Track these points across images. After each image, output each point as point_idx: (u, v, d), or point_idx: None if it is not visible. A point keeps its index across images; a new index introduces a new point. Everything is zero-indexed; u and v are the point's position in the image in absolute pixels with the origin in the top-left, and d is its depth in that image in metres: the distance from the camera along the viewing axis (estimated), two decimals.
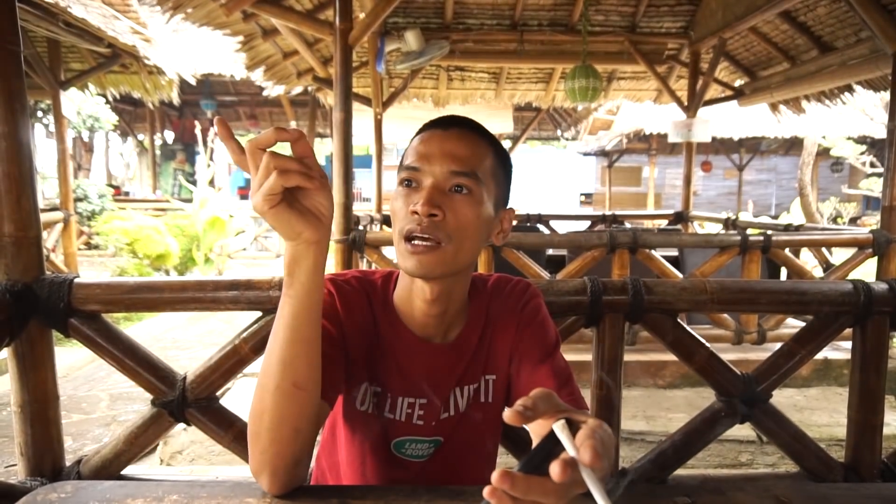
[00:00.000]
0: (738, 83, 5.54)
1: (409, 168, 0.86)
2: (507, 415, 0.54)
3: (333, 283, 0.92)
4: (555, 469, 0.49)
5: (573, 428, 0.54)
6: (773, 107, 5.59)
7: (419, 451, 0.94)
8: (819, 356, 3.28)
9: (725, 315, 3.53)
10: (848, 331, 1.44)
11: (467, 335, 0.94)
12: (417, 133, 0.91)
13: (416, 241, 0.82)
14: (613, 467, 1.44)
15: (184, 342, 4.97)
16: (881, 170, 10.89)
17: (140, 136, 13.77)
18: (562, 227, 5.72)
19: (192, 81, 6.81)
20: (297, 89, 6.08)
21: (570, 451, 0.51)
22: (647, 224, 6.69)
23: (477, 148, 0.87)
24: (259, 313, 1.38)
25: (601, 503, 0.50)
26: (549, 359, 0.92)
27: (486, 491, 0.50)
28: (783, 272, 3.82)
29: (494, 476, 0.49)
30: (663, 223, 6.31)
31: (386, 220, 5.02)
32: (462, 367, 0.94)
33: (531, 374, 0.91)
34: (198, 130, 8.12)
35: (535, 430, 0.73)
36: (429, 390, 0.93)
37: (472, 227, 0.85)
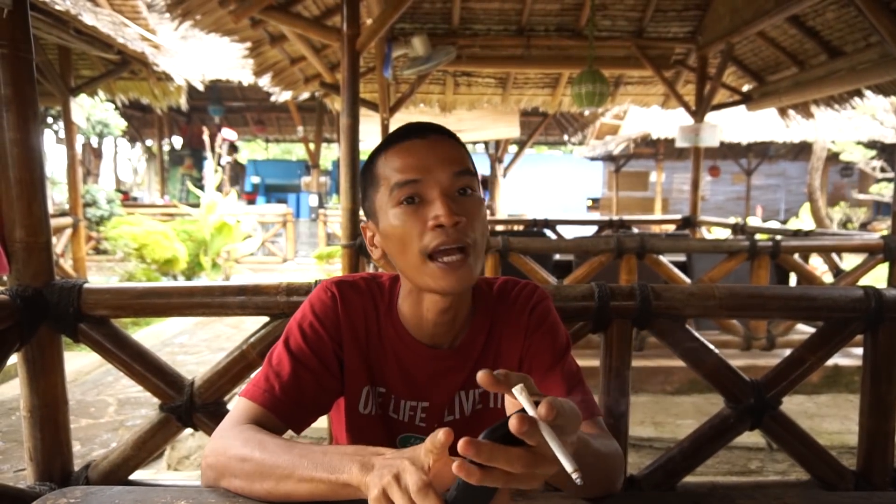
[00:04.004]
0: (746, 88, 5.51)
1: (409, 183, 0.82)
2: (481, 375, 0.55)
3: (339, 286, 0.93)
4: (512, 422, 0.51)
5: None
6: (782, 111, 5.56)
7: None
8: (829, 363, 3.26)
9: (734, 321, 3.51)
10: (859, 337, 1.43)
11: (472, 339, 0.94)
12: (383, 150, 0.87)
13: (447, 258, 0.81)
14: (624, 475, 1.42)
15: (191, 347, 4.99)
16: (891, 175, 10.83)
17: (148, 142, 13.87)
18: (569, 232, 5.70)
19: (201, 87, 6.88)
20: (305, 95, 6.11)
21: (530, 412, 0.53)
22: (655, 229, 6.66)
23: (457, 145, 0.87)
24: (266, 318, 1.39)
25: (564, 462, 0.52)
26: (559, 364, 0.91)
27: (454, 466, 0.52)
28: (792, 278, 3.79)
29: (460, 445, 0.51)
30: (671, 228, 6.29)
31: None
32: (466, 372, 0.94)
33: (542, 380, 0.90)
34: (206, 136, 8.16)
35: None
36: (432, 394, 0.93)
37: (483, 225, 0.86)
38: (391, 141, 0.87)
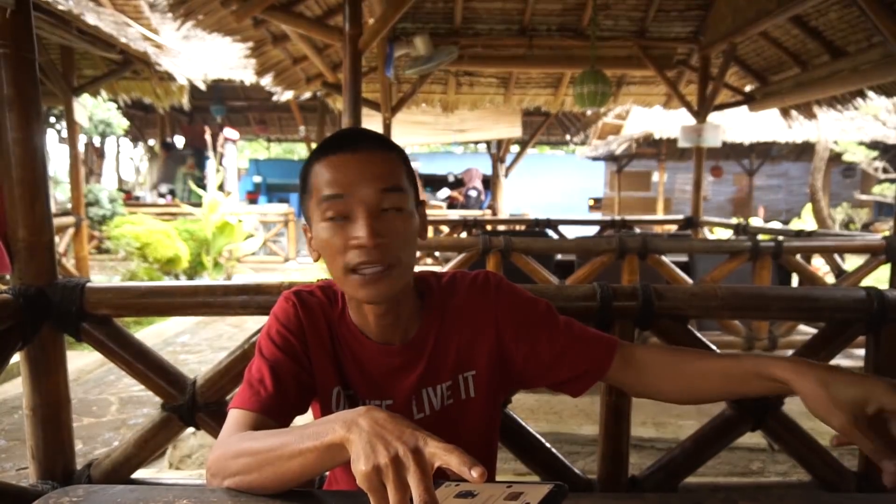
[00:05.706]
0: (748, 88, 5.51)
1: (334, 198, 0.82)
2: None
3: (298, 295, 0.96)
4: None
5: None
6: (785, 112, 5.55)
7: None
8: (831, 364, 3.25)
9: (736, 321, 3.51)
10: (861, 338, 1.42)
11: (423, 334, 0.95)
12: (316, 159, 0.86)
13: (367, 270, 0.82)
14: (622, 474, 1.43)
15: (193, 346, 4.99)
16: (894, 175, 10.81)
17: (151, 141, 13.88)
18: (571, 232, 5.70)
19: (203, 87, 6.88)
20: (307, 94, 6.11)
21: None
22: (657, 229, 6.65)
23: (390, 159, 0.86)
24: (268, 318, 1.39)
25: None
26: (557, 324, 0.95)
27: None
28: (794, 278, 3.79)
29: None
30: (673, 228, 6.28)
31: None
32: (422, 366, 0.94)
33: (550, 342, 0.94)
34: (208, 136, 8.16)
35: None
36: (393, 391, 0.95)
37: (412, 241, 0.87)
38: (324, 150, 0.86)
